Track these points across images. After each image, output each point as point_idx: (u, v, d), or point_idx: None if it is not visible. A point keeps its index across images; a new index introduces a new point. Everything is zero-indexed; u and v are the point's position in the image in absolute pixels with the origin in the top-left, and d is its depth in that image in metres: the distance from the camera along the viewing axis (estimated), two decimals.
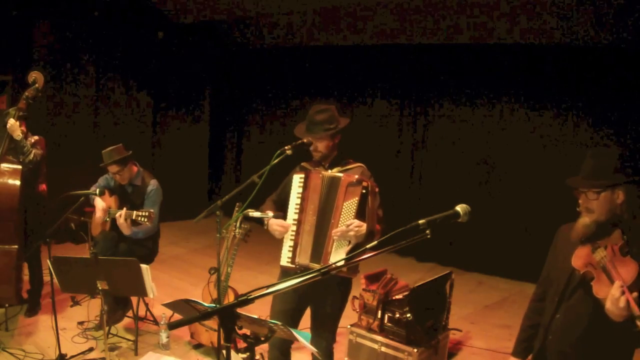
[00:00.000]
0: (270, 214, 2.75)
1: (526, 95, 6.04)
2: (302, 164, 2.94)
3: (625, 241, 1.84)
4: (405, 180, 6.92)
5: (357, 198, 2.62)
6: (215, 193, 8.97)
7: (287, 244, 2.74)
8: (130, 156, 4.04)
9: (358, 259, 2.40)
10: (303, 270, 2.58)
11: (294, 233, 2.73)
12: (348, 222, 2.61)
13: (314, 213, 2.72)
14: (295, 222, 2.74)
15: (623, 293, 1.75)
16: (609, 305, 1.79)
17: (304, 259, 2.71)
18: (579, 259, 1.98)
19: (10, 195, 3.66)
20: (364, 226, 2.60)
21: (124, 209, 3.75)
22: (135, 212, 3.65)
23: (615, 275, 1.81)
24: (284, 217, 2.80)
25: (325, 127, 2.76)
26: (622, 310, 1.74)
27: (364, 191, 2.62)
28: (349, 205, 2.64)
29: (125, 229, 3.81)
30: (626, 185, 1.96)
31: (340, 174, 2.71)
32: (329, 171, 2.79)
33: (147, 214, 3.61)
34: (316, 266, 2.60)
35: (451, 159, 6.56)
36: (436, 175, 6.68)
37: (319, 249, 2.68)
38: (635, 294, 1.74)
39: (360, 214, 2.62)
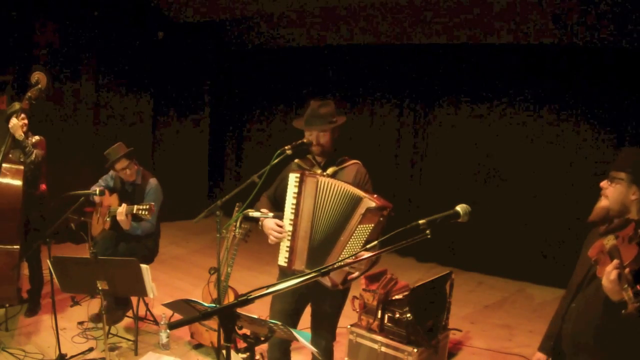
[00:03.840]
0: (270, 214, 2.74)
1: (526, 95, 6.04)
2: (297, 161, 2.89)
3: (634, 233, 1.87)
4: (405, 180, 6.92)
5: (372, 225, 2.54)
6: (215, 193, 8.98)
7: (285, 244, 2.71)
8: (134, 151, 4.07)
9: (358, 259, 2.42)
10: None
11: (290, 234, 2.70)
12: (360, 253, 2.52)
13: (309, 219, 2.66)
14: (292, 224, 2.71)
15: (616, 268, 1.80)
16: (604, 281, 1.84)
17: (299, 265, 2.69)
18: (594, 248, 2.03)
19: (12, 195, 3.66)
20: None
21: (124, 204, 3.76)
22: (136, 206, 3.68)
23: (618, 256, 1.86)
24: (281, 217, 2.77)
25: (329, 120, 2.74)
26: (614, 284, 1.78)
27: (381, 219, 2.53)
28: (363, 230, 2.55)
29: (125, 224, 3.83)
30: None
31: (363, 194, 2.57)
32: (325, 174, 2.74)
33: (147, 207, 3.63)
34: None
35: (451, 159, 6.56)
36: (436, 175, 6.69)
37: (317, 259, 2.63)
38: (627, 270, 1.78)
39: (371, 240, 2.56)
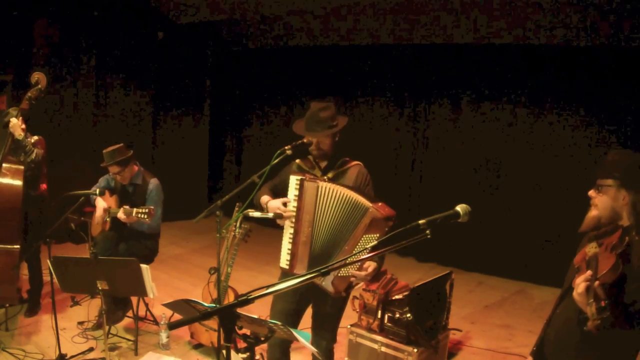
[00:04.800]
0: (271, 214, 2.73)
1: (526, 95, 6.04)
2: (298, 161, 2.89)
3: (619, 241, 1.84)
4: (405, 181, 6.92)
5: (378, 235, 2.51)
6: (215, 193, 8.98)
7: (286, 247, 2.71)
8: (131, 157, 4.05)
9: (358, 259, 2.41)
10: None
11: (291, 237, 2.70)
12: (366, 265, 2.53)
13: (309, 224, 2.65)
14: (292, 226, 2.70)
15: (587, 280, 1.77)
16: (573, 293, 1.82)
17: (300, 269, 2.68)
18: (579, 255, 2.02)
19: (12, 195, 3.66)
20: (375, 266, 2.59)
21: (124, 206, 3.76)
22: (135, 210, 3.65)
23: (594, 267, 1.82)
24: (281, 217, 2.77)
25: (329, 125, 2.72)
26: (581, 297, 1.76)
27: (386, 229, 2.51)
28: (368, 239, 2.53)
29: (129, 221, 3.81)
30: (636, 189, 1.93)
31: (369, 204, 2.52)
32: (326, 178, 2.73)
33: (147, 210, 3.61)
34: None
35: (451, 159, 6.56)
36: (436, 175, 6.69)
37: (319, 266, 2.62)
38: (598, 283, 1.74)
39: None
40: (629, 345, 1.91)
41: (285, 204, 2.68)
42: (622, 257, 1.79)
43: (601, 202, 1.99)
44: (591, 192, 2.04)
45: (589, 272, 1.79)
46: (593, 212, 2.03)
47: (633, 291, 1.79)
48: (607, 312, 1.66)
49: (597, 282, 1.74)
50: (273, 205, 2.72)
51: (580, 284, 1.78)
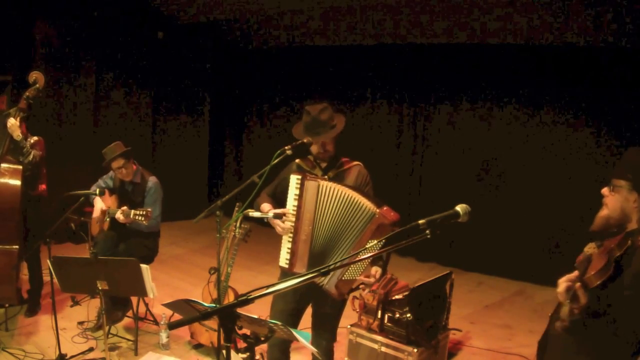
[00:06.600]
0: (271, 214, 2.73)
1: (526, 95, 6.04)
2: (298, 161, 2.88)
3: (617, 245, 1.82)
4: (405, 181, 6.92)
5: (384, 240, 2.48)
6: (215, 193, 8.98)
7: (286, 246, 2.71)
8: (132, 151, 4.07)
9: (358, 259, 2.41)
10: None
11: (291, 236, 2.70)
12: (373, 271, 2.56)
13: (310, 223, 2.65)
14: (293, 225, 2.70)
15: (569, 280, 1.79)
16: (557, 289, 1.85)
17: (300, 267, 2.68)
18: (581, 254, 2.01)
19: (11, 195, 3.66)
20: (381, 271, 2.61)
21: (122, 208, 3.76)
22: (133, 212, 3.66)
23: (583, 268, 1.83)
24: (281, 216, 2.76)
25: (331, 125, 2.74)
26: (561, 296, 1.78)
27: (391, 233, 2.51)
28: (374, 245, 2.50)
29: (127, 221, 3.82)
30: None
31: (376, 209, 2.51)
32: (326, 177, 2.73)
33: (144, 212, 3.62)
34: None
35: (451, 159, 6.56)
36: (436, 175, 6.69)
37: (320, 264, 2.59)
38: (579, 285, 1.76)
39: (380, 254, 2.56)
40: (628, 344, 1.91)
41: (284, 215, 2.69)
42: (616, 262, 1.78)
43: (612, 202, 1.95)
44: (604, 190, 2.00)
45: (575, 273, 1.80)
46: (603, 212, 1.99)
47: (627, 298, 1.77)
48: (577, 316, 1.69)
49: (578, 284, 1.75)
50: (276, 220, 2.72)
51: (561, 283, 1.80)
